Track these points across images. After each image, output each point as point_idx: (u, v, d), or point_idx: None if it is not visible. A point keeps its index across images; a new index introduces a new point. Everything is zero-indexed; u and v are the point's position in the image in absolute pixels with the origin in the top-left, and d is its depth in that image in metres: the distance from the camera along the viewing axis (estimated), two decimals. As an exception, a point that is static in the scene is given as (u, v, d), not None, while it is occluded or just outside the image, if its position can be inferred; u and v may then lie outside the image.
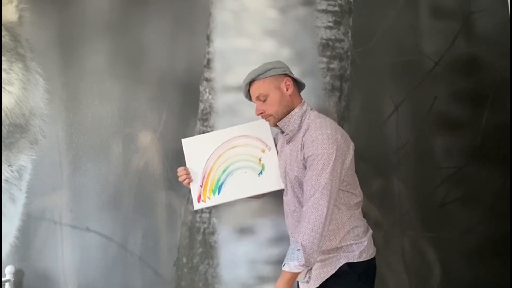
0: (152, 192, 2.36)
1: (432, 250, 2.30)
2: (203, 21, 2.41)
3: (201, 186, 1.98)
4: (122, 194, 2.36)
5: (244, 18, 2.40)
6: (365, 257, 1.74)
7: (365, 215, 1.86)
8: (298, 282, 1.77)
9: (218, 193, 1.97)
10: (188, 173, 1.97)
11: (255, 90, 1.85)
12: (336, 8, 2.41)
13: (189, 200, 2.34)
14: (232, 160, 2.00)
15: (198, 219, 2.34)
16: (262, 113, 1.84)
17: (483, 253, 2.30)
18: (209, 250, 2.33)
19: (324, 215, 1.60)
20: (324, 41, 2.40)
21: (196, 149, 2.02)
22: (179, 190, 2.35)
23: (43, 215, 2.36)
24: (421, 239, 2.31)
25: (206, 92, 2.38)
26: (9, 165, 2.36)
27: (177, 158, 2.32)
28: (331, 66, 2.38)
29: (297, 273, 1.61)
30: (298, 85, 1.90)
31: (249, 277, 2.29)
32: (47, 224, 2.36)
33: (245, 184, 1.96)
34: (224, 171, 1.99)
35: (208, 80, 2.39)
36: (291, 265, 1.59)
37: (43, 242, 2.36)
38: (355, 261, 1.72)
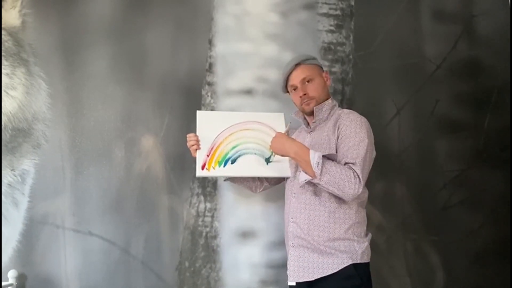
0: (155, 196, 2.36)
1: (435, 253, 2.30)
2: (205, 26, 2.42)
3: (207, 156, 1.98)
4: (124, 198, 2.36)
5: (246, 22, 2.41)
6: (366, 258, 1.75)
7: (367, 218, 1.86)
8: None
9: (224, 166, 1.97)
10: (198, 140, 1.98)
11: (301, 72, 1.89)
12: (338, 12, 2.42)
13: (191, 204, 2.35)
14: (243, 140, 2.01)
15: (200, 223, 2.34)
16: (305, 94, 1.88)
17: (486, 256, 2.29)
18: (211, 254, 2.32)
19: (352, 179, 1.66)
20: (325, 44, 2.41)
21: (209, 122, 2.04)
22: (182, 194, 2.35)
23: (46, 219, 2.36)
24: (424, 242, 2.30)
25: (208, 96, 2.39)
26: (12, 170, 2.36)
27: (180, 162, 2.33)
28: (333, 69, 2.39)
29: (308, 165, 1.69)
30: None
31: (252, 281, 2.28)
32: (50, 228, 2.36)
33: (252, 164, 1.97)
34: (234, 147, 2.00)
35: (210, 84, 2.39)
36: (314, 155, 1.69)
37: (45, 246, 2.36)
38: (358, 261, 1.71)
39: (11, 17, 2.42)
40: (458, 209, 2.32)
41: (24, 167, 2.38)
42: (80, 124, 2.40)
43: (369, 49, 2.40)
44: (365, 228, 1.81)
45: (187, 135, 2.01)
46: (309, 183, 1.74)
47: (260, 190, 2.13)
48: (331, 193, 1.72)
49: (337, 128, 1.79)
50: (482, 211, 2.31)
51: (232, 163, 1.98)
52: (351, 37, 2.41)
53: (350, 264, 1.70)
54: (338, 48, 2.41)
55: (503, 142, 2.35)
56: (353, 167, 1.68)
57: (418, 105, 2.37)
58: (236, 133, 2.03)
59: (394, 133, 2.36)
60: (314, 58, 1.94)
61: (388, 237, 2.30)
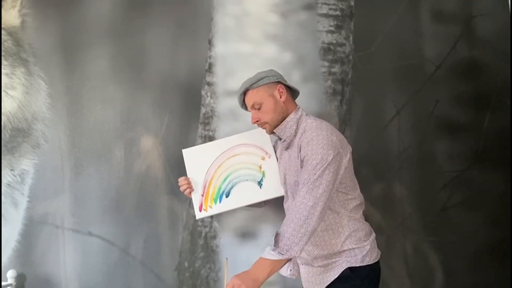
0: (154, 196, 2.36)
1: (435, 254, 2.30)
2: (205, 26, 2.42)
3: (202, 195, 1.97)
4: (124, 199, 2.36)
5: (245, 23, 2.41)
6: (368, 261, 1.72)
7: (367, 219, 1.86)
8: None
9: (220, 202, 1.96)
10: (189, 183, 1.97)
11: (249, 99, 1.86)
12: (337, 12, 2.42)
13: (191, 204, 2.34)
14: (233, 168, 2.00)
15: (200, 223, 2.34)
16: (258, 121, 1.86)
17: (486, 257, 2.29)
18: (210, 255, 2.32)
19: (308, 209, 1.57)
20: (325, 45, 2.40)
21: (197, 159, 2.01)
22: (181, 194, 2.33)
23: (45, 219, 2.36)
24: (423, 243, 2.30)
25: (207, 96, 2.39)
26: (11, 169, 2.36)
27: (179, 162, 2.31)
28: (333, 70, 2.38)
29: (277, 263, 1.57)
30: (292, 92, 1.91)
31: (251, 281, 2.28)
32: (49, 228, 2.36)
33: (246, 192, 1.96)
34: (225, 179, 1.98)
35: (209, 84, 2.39)
36: (266, 251, 1.58)
37: (45, 246, 2.36)
38: (357, 265, 1.71)
39: (11, 16, 2.42)
40: (458, 209, 2.32)
41: (23, 167, 2.38)
42: (80, 124, 2.40)
43: (368, 50, 2.40)
44: (363, 232, 1.77)
45: (178, 180, 1.99)
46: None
47: (265, 205, 2.13)
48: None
49: (299, 150, 1.73)
50: (482, 212, 2.31)
51: (226, 196, 1.97)
52: (351, 38, 2.41)
53: (346, 268, 1.71)
54: (338, 48, 2.41)
55: (503, 142, 2.35)
56: (303, 195, 1.61)
57: (418, 105, 2.37)
58: (224, 163, 2.00)
59: (393, 133, 2.36)
60: (262, 78, 1.84)
61: (388, 238, 2.30)
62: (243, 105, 1.92)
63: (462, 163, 2.34)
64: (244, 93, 1.88)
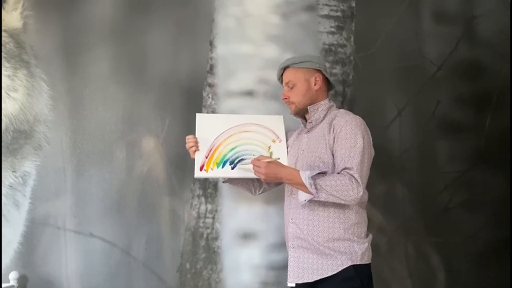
0: (156, 197, 2.36)
1: (436, 255, 2.30)
2: (206, 27, 2.43)
3: (206, 157, 1.98)
4: (125, 200, 2.36)
5: (246, 24, 2.41)
6: (366, 260, 1.74)
7: (368, 219, 1.86)
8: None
9: (222, 167, 1.98)
10: (197, 142, 1.99)
11: (286, 76, 1.93)
12: (338, 14, 2.42)
13: (192, 206, 2.35)
14: (242, 141, 2.02)
15: (201, 224, 2.34)
16: (286, 98, 1.92)
17: (487, 258, 2.29)
18: (212, 256, 2.32)
19: (351, 187, 1.67)
20: (326, 46, 2.41)
21: (209, 125, 2.05)
22: (183, 195, 2.35)
23: (47, 220, 2.37)
24: (425, 243, 2.30)
25: (209, 97, 2.39)
26: (13, 171, 2.37)
27: (181, 163, 2.33)
28: (334, 71, 2.39)
29: (299, 185, 1.72)
30: (329, 83, 1.95)
31: (253, 282, 2.28)
32: (51, 229, 2.36)
33: (250, 166, 1.96)
34: (232, 149, 2.00)
35: (211, 85, 2.40)
36: (305, 173, 1.70)
37: (47, 247, 2.36)
38: (358, 263, 1.71)
39: (13, 19, 2.42)
40: (459, 210, 2.32)
41: (25, 168, 2.38)
42: (81, 126, 2.41)
43: (369, 51, 2.41)
44: (365, 229, 1.81)
45: (186, 137, 2.01)
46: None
47: (260, 192, 2.12)
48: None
49: (332, 129, 1.79)
50: (483, 213, 2.31)
51: (230, 164, 1.98)
52: (352, 39, 2.41)
53: (350, 266, 1.70)
54: (339, 49, 2.41)
55: (504, 143, 2.35)
56: (350, 172, 1.68)
57: (419, 106, 2.38)
58: (235, 135, 2.03)
59: (395, 134, 2.36)
60: (306, 61, 1.90)
61: (389, 239, 2.30)
62: (281, 78, 1.99)
63: (464, 164, 2.34)
64: (285, 68, 1.94)
